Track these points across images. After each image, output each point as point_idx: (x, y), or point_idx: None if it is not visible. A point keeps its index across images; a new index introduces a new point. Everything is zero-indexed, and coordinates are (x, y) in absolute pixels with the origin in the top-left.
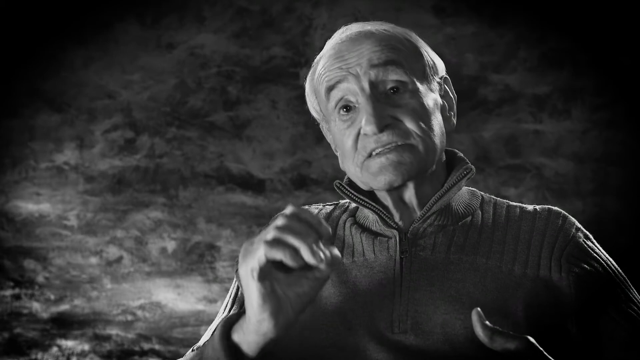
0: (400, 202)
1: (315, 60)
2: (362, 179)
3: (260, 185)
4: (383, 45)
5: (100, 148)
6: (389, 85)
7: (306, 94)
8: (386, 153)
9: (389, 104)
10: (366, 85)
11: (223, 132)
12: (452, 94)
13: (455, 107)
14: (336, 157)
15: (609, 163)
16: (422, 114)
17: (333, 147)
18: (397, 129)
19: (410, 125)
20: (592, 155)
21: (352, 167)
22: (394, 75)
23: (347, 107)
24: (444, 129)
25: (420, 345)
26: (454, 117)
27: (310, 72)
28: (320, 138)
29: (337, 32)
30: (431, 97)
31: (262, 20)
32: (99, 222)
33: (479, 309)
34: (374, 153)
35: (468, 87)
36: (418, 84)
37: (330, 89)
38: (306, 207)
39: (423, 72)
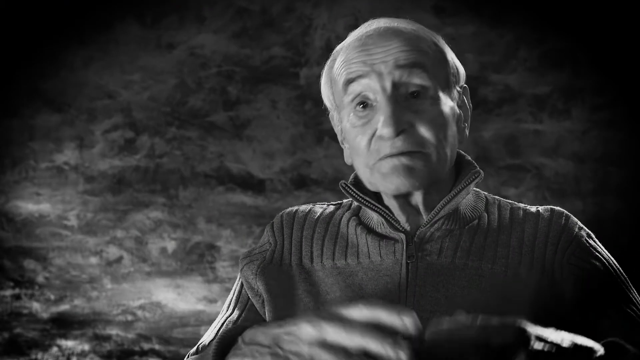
0: (407, 205)
1: (336, 50)
2: (371, 180)
3: (260, 185)
4: (411, 46)
5: (100, 148)
6: (411, 89)
7: (321, 82)
8: (399, 155)
9: (408, 109)
10: (388, 86)
11: (223, 132)
12: (468, 105)
13: (469, 118)
14: (336, 157)
15: (609, 163)
16: (439, 123)
17: (340, 139)
18: (413, 135)
19: (426, 133)
20: (592, 155)
21: (362, 167)
22: (417, 79)
23: (364, 104)
24: (456, 140)
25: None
26: (467, 129)
27: (329, 61)
28: (320, 138)
29: (363, 24)
30: (449, 106)
31: (262, 20)
32: (99, 222)
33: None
34: (386, 156)
35: (468, 87)
36: (439, 91)
37: (349, 81)
38: (310, 205)
39: (446, 80)
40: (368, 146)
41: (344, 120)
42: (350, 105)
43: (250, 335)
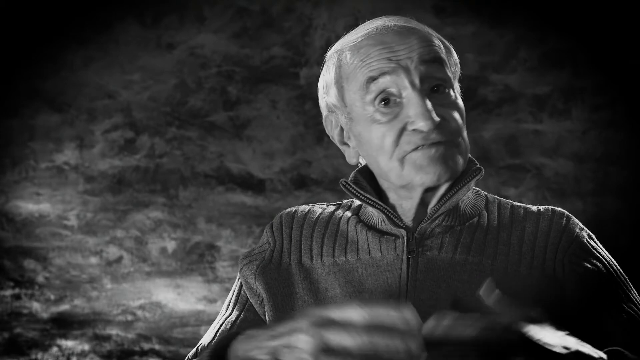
0: (421, 201)
1: (337, 49)
2: (403, 173)
3: (260, 185)
4: (428, 41)
5: (100, 148)
6: (433, 83)
7: (322, 83)
8: (434, 146)
9: (436, 102)
10: (417, 81)
11: (223, 132)
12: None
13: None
14: (336, 157)
15: (609, 163)
16: (461, 115)
17: (339, 139)
18: (446, 127)
19: (455, 125)
20: (592, 155)
21: (388, 162)
22: (439, 73)
23: (386, 100)
24: None
25: None
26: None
27: (334, 60)
28: (320, 138)
29: (363, 24)
30: (460, 99)
31: (262, 20)
32: (99, 222)
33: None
34: (419, 147)
35: (468, 87)
36: (455, 85)
37: (372, 79)
38: (309, 206)
39: (454, 74)
40: (397, 141)
41: (360, 119)
42: (371, 103)
43: (243, 350)
